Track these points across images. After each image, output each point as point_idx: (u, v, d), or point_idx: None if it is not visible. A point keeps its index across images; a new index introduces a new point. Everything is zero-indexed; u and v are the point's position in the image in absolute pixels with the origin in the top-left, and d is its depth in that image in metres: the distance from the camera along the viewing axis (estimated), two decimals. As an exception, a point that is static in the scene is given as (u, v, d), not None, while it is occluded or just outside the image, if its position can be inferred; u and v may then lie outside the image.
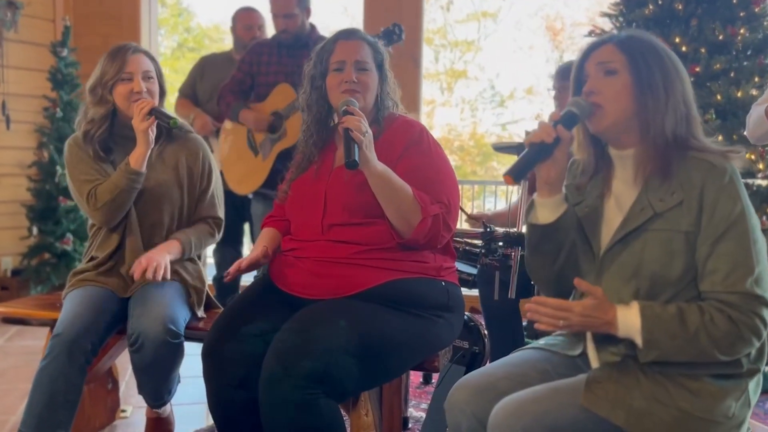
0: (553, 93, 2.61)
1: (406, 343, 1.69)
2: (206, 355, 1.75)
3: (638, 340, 1.31)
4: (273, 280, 1.82)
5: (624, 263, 1.39)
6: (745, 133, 2.40)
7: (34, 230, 4.15)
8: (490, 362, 2.43)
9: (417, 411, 2.68)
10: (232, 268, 1.78)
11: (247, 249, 3.88)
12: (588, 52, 1.44)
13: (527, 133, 2.21)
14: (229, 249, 3.61)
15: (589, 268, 1.47)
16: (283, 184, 1.95)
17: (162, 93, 2.19)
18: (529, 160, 1.38)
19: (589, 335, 1.46)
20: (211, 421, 2.57)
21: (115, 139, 2.18)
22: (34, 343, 3.50)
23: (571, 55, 13.85)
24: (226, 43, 13.76)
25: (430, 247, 1.74)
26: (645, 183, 1.39)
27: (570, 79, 2.45)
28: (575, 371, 1.46)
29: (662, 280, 1.35)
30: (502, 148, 2.46)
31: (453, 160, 13.49)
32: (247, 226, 3.74)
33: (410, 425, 2.54)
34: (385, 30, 2.73)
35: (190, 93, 3.72)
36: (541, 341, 1.57)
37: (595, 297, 1.31)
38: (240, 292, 3.72)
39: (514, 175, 1.37)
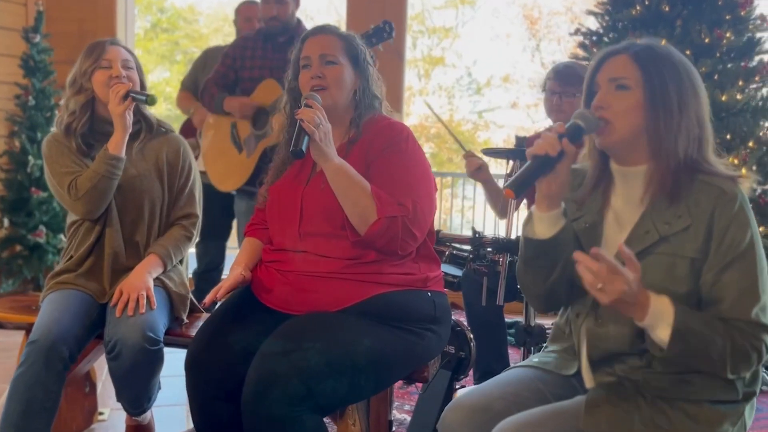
0: (548, 96, 2.52)
1: (393, 358, 1.66)
2: (189, 368, 1.71)
3: (665, 331, 1.24)
4: (255, 294, 1.78)
5: None
6: None
7: (5, 222, 4.03)
8: (474, 368, 2.44)
9: (400, 413, 2.68)
10: (209, 297, 1.73)
11: (231, 247, 3.83)
12: (601, 62, 1.39)
13: (513, 137, 2.18)
14: (213, 243, 3.56)
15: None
16: (262, 188, 1.91)
17: (141, 86, 2.13)
18: (532, 174, 1.33)
19: (584, 354, 1.44)
20: (191, 425, 2.53)
21: (95, 136, 2.13)
22: (5, 340, 3.40)
23: (548, 44, 13.92)
24: (201, 24, 13.57)
25: (390, 252, 1.67)
26: (650, 203, 1.36)
27: (570, 83, 2.43)
28: (570, 391, 1.45)
29: None
30: (492, 152, 2.43)
31: (429, 147, 13.51)
32: (234, 223, 3.69)
33: (394, 428, 2.52)
34: (376, 27, 2.67)
35: (191, 86, 3.66)
36: (534, 359, 1.55)
37: (636, 270, 1.22)
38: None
39: (515, 189, 1.32)
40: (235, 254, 3.50)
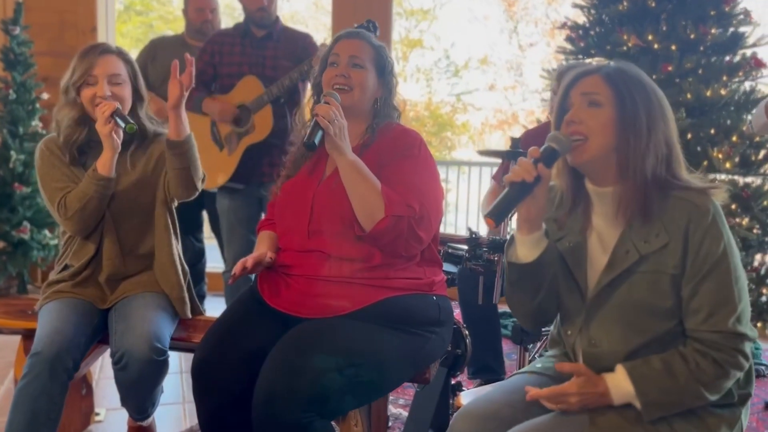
0: (553, 96, 2.57)
1: (399, 361, 1.70)
2: (197, 375, 1.72)
3: (637, 404, 1.33)
4: (263, 297, 1.80)
5: (612, 305, 1.40)
6: (747, 125, 2.45)
7: (-12, 218, 3.97)
8: (469, 363, 2.47)
9: (395, 407, 2.71)
10: (237, 268, 1.73)
11: (207, 239, 3.82)
12: (574, 81, 1.42)
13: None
14: (189, 237, 3.56)
15: (574, 305, 1.47)
16: (275, 186, 1.94)
17: (139, 98, 2.10)
18: (511, 201, 1.36)
19: (580, 361, 1.47)
20: (189, 424, 2.55)
21: (90, 144, 2.10)
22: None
23: (525, 27, 13.94)
24: (175, 6, 13.34)
25: (394, 251, 1.71)
26: (627, 223, 1.39)
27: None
28: None
29: (651, 319, 1.37)
30: (487, 153, 2.46)
31: (408, 131, 13.47)
32: (206, 216, 3.67)
33: (390, 423, 2.56)
34: (360, 27, 2.66)
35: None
36: (537, 365, 1.59)
37: (580, 374, 1.32)
38: (206, 280, 3.68)
39: (494, 217, 1.35)
40: (214, 243, 3.53)
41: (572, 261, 1.46)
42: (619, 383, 1.33)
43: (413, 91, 13.80)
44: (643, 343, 1.37)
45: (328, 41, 3.23)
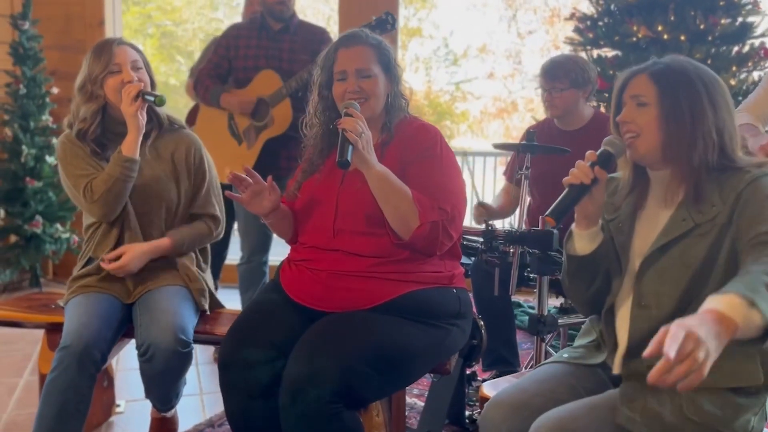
0: (542, 93, 2.61)
1: (423, 353, 1.74)
2: (224, 367, 1.75)
3: (759, 317, 1.12)
4: (287, 292, 1.83)
5: (663, 267, 1.45)
6: None
7: (1, 212, 3.98)
8: (484, 355, 2.51)
9: (410, 398, 2.74)
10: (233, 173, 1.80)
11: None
12: (626, 82, 1.50)
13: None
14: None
15: (617, 281, 1.53)
16: (292, 183, 1.96)
17: (151, 84, 2.15)
18: (570, 201, 1.47)
19: (622, 343, 1.51)
20: (207, 416, 2.58)
21: (108, 136, 2.14)
22: (6, 333, 3.38)
23: (524, 14, 13.90)
24: (173, -5, 13.18)
25: (429, 253, 1.76)
26: (682, 201, 1.47)
27: (556, 78, 2.52)
28: (598, 382, 1.54)
29: (702, 279, 1.41)
30: (503, 146, 2.49)
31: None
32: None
33: (407, 413, 2.60)
34: (378, 19, 2.67)
35: None
36: (564, 354, 1.63)
37: (696, 335, 1.08)
38: (220, 275, 3.70)
39: (555, 216, 1.46)
40: (238, 238, 3.53)
41: (620, 239, 1.54)
42: (731, 300, 1.14)
43: (412, 80, 13.77)
44: (691, 307, 1.40)
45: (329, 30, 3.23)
